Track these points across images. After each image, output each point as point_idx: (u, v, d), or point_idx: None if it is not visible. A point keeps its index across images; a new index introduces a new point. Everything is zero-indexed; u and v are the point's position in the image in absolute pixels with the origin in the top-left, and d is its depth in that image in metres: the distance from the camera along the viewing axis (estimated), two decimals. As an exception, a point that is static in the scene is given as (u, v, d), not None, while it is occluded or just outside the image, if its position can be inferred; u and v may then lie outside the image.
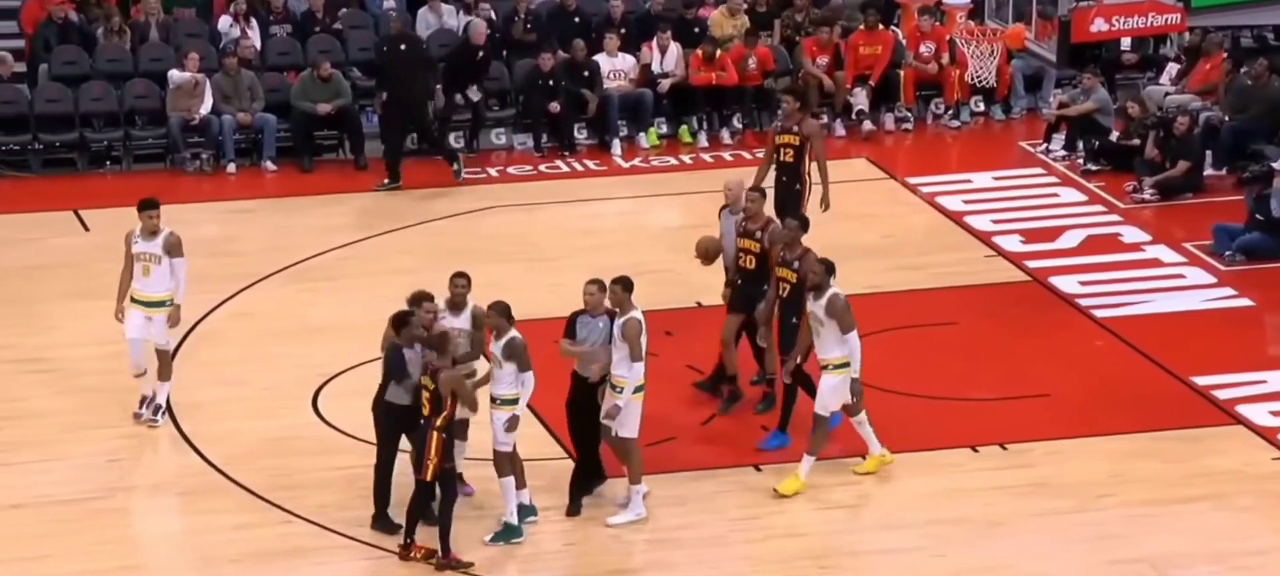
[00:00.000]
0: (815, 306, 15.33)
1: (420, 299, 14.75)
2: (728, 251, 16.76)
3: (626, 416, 14.82)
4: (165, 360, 16.47)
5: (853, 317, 15.34)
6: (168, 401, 16.56)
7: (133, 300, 16.30)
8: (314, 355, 18.11)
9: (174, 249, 16.33)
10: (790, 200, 18.26)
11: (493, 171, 23.52)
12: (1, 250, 20.99)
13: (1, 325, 18.73)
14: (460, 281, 15.16)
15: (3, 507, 15.41)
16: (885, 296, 19.65)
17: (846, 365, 15.30)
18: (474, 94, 23.73)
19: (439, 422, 14.24)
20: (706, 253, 16.67)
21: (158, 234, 16.29)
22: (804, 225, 16.22)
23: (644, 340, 14.72)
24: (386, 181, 22.73)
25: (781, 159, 18.40)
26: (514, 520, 14.73)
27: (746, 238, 16.46)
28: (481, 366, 15.05)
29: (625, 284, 14.98)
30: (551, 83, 23.74)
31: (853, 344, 15.28)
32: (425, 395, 14.34)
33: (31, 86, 23.98)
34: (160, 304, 16.30)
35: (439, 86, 23.23)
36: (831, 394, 15.37)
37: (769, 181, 18.18)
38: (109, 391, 16.35)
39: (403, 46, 22.92)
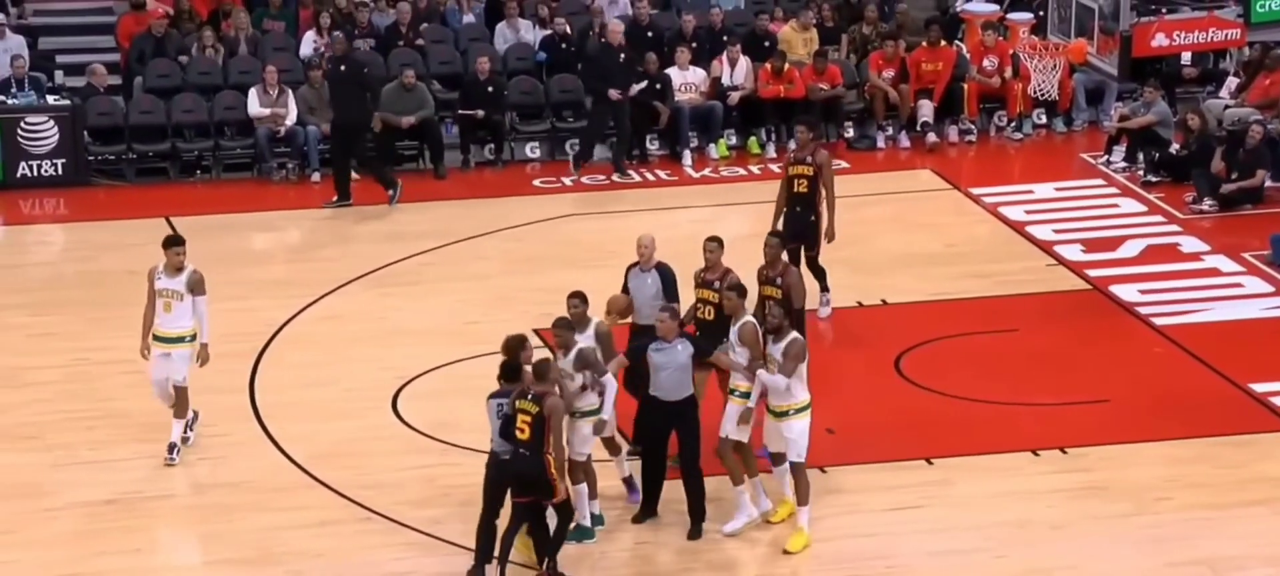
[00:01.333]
0: (774, 349, 14.51)
1: (518, 345, 14.35)
2: (640, 309, 15.67)
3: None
4: (183, 397, 15.94)
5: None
6: (183, 437, 16.14)
7: (155, 338, 15.88)
8: (394, 358, 18.18)
9: (196, 287, 15.84)
10: (808, 230, 17.99)
11: (567, 181, 23.54)
12: (98, 255, 21.19)
13: (98, 328, 18.89)
14: (576, 301, 14.81)
15: (97, 503, 15.54)
16: (949, 303, 19.59)
17: (808, 407, 14.56)
18: (628, 92, 23.35)
19: (550, 447, 13.77)
20: (620, 311, 15.71)
21: (181, 271, 15.84)
22: (741, 292, 15.08)
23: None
24: (335, 199, 22.32)
25: (796, 189, 17.96)
26: (587, 522, 14.72)
27: (705, 288, 15.44)
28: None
29: (740, 291, 14.87)
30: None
31: (774, 383, 14.46)
32: (524, 420, 13.80)
33: (126, 98, 24.18)
34: (180, 340, 15.84)
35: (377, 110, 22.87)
36: (803, 438, 14.57)
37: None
38: (198, 392, 16.43)
39: (342, 68, 22.41)
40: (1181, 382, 17.91)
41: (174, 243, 15.97)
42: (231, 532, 15.21)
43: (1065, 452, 16.40)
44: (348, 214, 22.55)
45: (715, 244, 15.50)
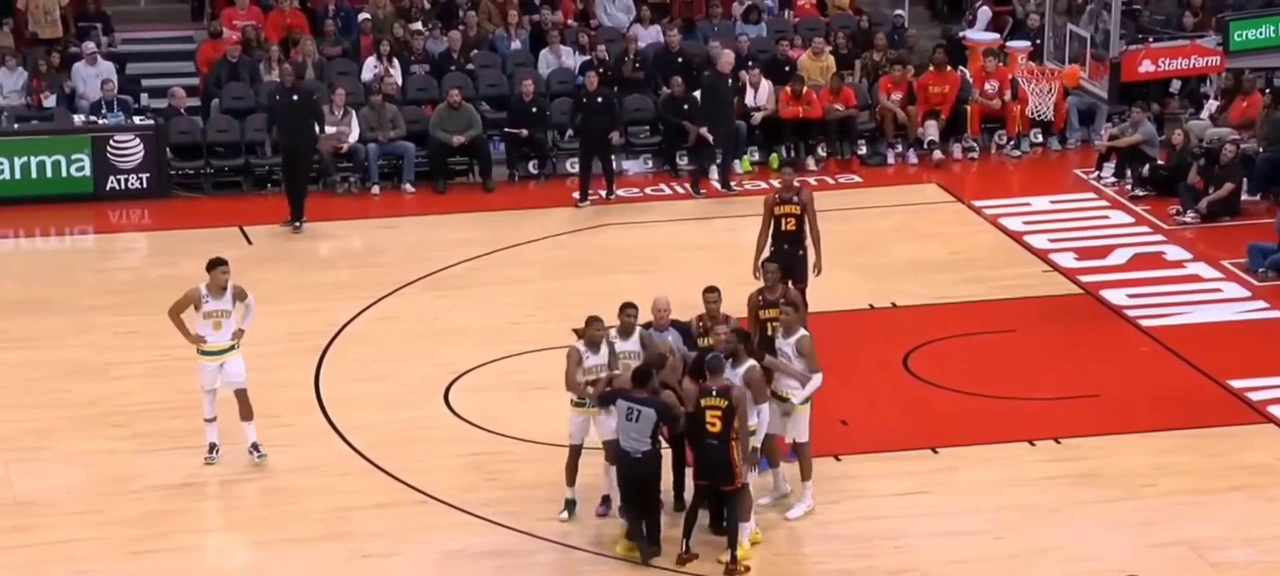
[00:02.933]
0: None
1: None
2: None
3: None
4: (246, 399, 15.57)
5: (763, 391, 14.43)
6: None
7: (205, 353, 15.46)
8: (446, 355, 18.18)
9: (242, 294, 15.54)
10: (797, 264, 17.46)
11: (602, 193, 23.53)
12: (178, 261, 21.21)
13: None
14: (630, 310, 14.55)
15: (176, 486, 15.58)
16: (953, 306, 19.53)
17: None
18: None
19: (736, 435, 13.66)
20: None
21: (226, 290, 15.43)
22: (797, 306, 15.09)
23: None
24: (290, 220, 21.93)
25: (783, 228, 17.38)
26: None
27: (706, 337, 14.86)
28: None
29: (796, 305, 14.86)
30: (598, 99, 22.80)
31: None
32: (713, 415, 13.61)
33: (204, 118, 24.24)
34: (230, 349, 15.49)
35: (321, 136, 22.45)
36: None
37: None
38: (269, 386, 16.47)
39: (295, 98, 22.06)
40: (1166, 379, 17.83)
41: (219, 263, 15.56)
42: (301, 513, 15.23)
43: (1059, 443, 16.34)
44: (405, 224, 22.55)
45: (715, 294, 15.03)
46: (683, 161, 24.26)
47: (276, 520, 15.19)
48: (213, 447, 15.70)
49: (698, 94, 23.77)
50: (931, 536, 14.73)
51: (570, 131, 23.69)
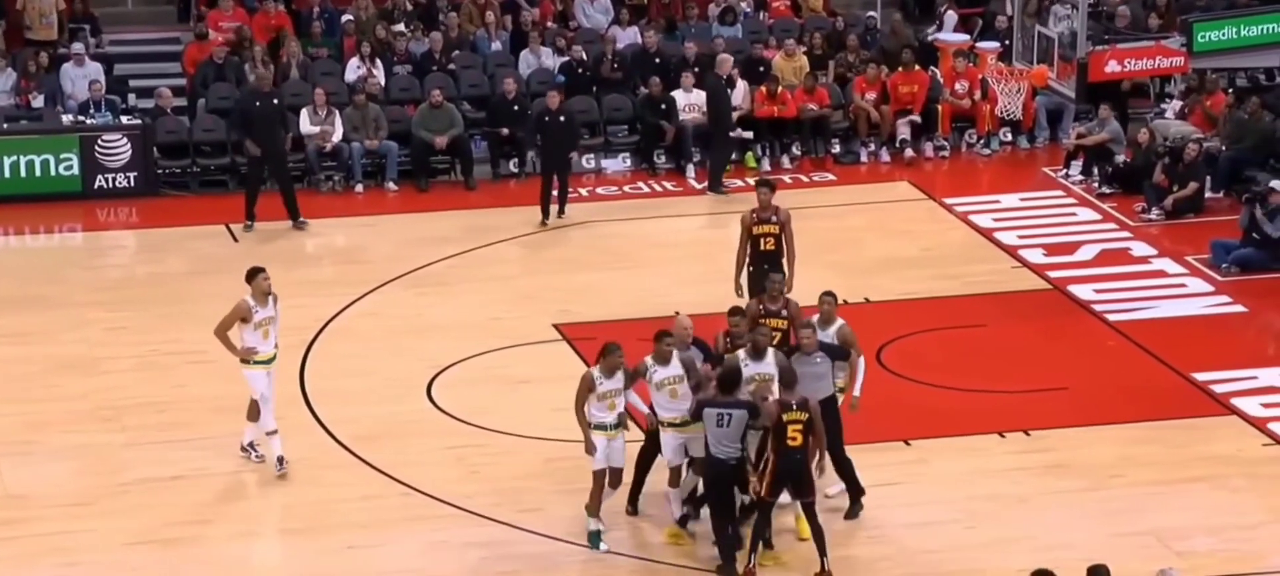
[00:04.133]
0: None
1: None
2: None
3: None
4: (254, 405, 15.47)
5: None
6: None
7: (257, 363, 15.25)
8: (428, 350, 18.20)
9: (277, 300, 15.46)
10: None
11: (583, 191, 23.56)
12: (166, 258, 21.23)
13: (168, 323, 18.93)
14: (667, 338, 14.23)
15: (165, 479, 15.58)
16: (924, 302, 19.61)
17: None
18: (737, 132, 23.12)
19: (812, 448, 13.71)
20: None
21: (269, 296, 15.26)
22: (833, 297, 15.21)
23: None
24: (248, 223, 21.72)
25: (763, 248, 17.08)
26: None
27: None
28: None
29: (834, 299, 14.97)
30: (560, 118, 22.42)
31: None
32: (795, 430, 13.55)
33: (191, 118, 24.22)
34: (273, 359, 15.39)
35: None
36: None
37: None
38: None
39: (275, 101, 21.99)
40: (1133, 372, 17.92)
41: (259, 271, 15.34)
42: (287, 506, 15.25)
43: (1028, 435, 16.42)
44: (388, 222, 22.57)
45: (739, 317, 15.00)
46: (661, 160, 24.29)
47: (263, 512, 15.21)
48: (280, 460, 15.49)
49: (705, 97, 23.67)
50: (904, 526, 14.80)
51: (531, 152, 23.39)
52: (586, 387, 14.13)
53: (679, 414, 14.16)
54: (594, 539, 14.31)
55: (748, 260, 17.16)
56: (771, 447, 13.64)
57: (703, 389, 14.03)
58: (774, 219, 17.18)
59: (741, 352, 14.44)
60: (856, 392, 14.85)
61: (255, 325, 15.27)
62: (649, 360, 14.20)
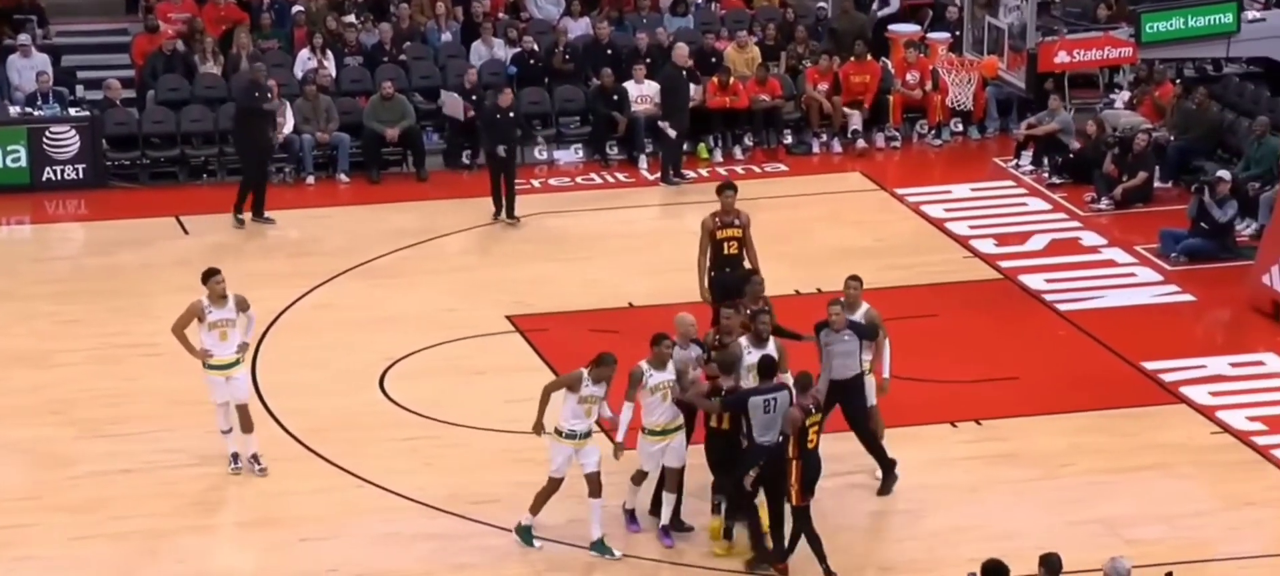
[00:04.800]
0: (857, 315, 15.14)
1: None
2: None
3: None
4: (246, 413, 15.30)
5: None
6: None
7: (211, 367, 15.09)
8: (381, 342, 18.16)
9: (244, 305, 15.22)
10: (739, 286, 16.58)
11: (536, 183, 23.53)
12: (116, 251, 21.11)
13: (118, 315, 18.83)
14: (666, 342, 14.13)
15: (117, 471, 15.51)
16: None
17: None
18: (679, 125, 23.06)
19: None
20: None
21: (227, 298, 15.08)
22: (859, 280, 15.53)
23: None
24: (255, 215, 21.58)
25: (726, 252, 16.90)
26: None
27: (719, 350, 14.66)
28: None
29: (860, 283, 15.20)
30: (511, 115, 22.25)
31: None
32: (815, 432, 13.77)
33: (140, 110, 24.08)
34: (236, 363, 15.16)
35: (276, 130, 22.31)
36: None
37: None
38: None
39: (270, 97, 21.94)
40: (1083, 361, 18.02)
41: (214, 273, 15.15)
42: (240, 498, 15.20)
43: (980, 424, 16.50)
44: (339, 214, 22.49)
45: (731, 310, 14.93)
46: (613, 151, 24.28)
47: (214, 505, 15.15)
48: (234, 457, 15.37)
49: (659, 88, 23.68)
50: (856, 515, 14.86)
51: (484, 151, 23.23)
52: (569, 383, 14.01)
53: (667, 419, 14.10)
54: (525, 534, 14.24)
55: (711, 264, 17.01)
56: (793, 452, 13.71)
57: (689, 390, 14.04)
58: (737, 222, 17.09)
59: (743, 340, 14.54)
60: (886, 374, 15.11)
61: (209, 326, 15.12)
62: (645, 365, 14.07)
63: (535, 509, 14.23)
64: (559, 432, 14.03)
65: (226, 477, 15.40)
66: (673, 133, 23.24)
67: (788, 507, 13.86)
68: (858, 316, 15.06)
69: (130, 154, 23.61)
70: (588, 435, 14.07)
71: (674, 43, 24.38)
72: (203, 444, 15.84)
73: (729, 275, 16.89)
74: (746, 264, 17.00)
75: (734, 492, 14.02)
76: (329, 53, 24.84)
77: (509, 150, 22.07)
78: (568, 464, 14.08)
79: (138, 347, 17.76)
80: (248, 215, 21.73)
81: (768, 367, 13.98)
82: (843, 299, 15.09)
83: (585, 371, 14.00)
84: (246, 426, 15.35)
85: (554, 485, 14.15)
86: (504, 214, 21.90)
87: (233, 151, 23.24)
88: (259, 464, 15.43)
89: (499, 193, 22.02)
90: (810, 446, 13.78)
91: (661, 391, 14.07)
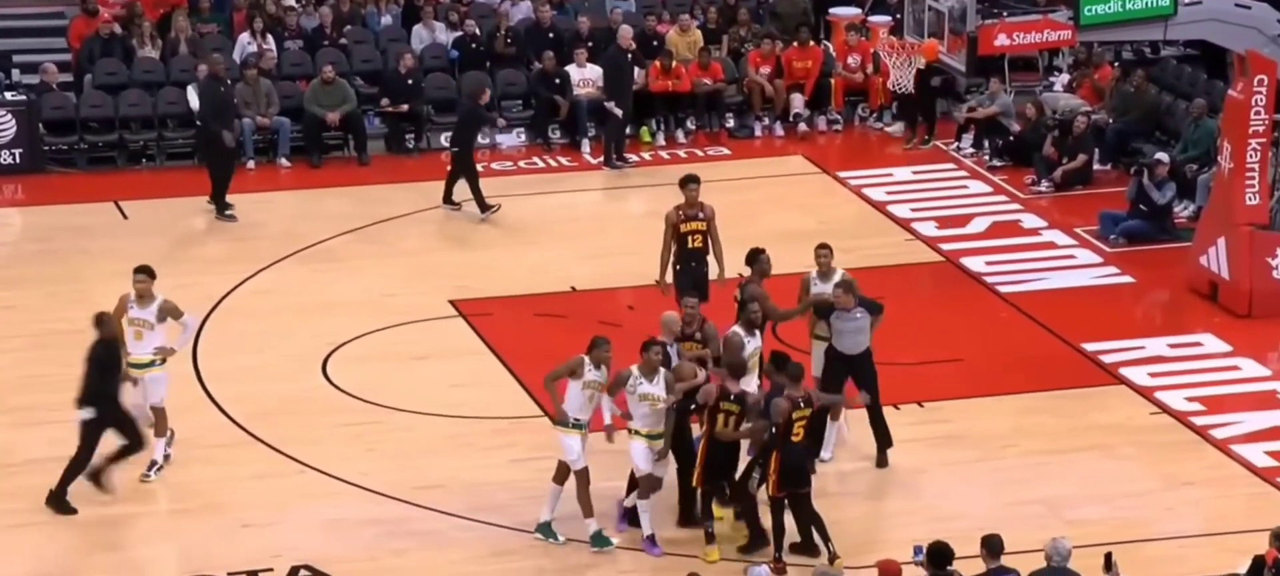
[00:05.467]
0: (830, 285, 15.59)
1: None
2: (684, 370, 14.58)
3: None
4: (162, 417, 14.99)
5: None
6: (165, 456, 15.19)
7: (126, 364, 14.65)
8: (323, 327, 18.07)
9: (169, 313, 14.93)
10: (704, 279, 16.97)
11: (479, 166, 23.38)
12: (54, 237, 20.92)
13: (57, 301, 18.65)
14: (657, 348, 14.07)
15: (56, 459, 15.30)
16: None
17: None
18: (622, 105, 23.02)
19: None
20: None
21: (152, 300, 14.83)
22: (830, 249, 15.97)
23: None
24: (216, 200, 21.40)
25: (691, 245, 16.90)
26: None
27: (687, 341, 14.77)
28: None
29: (830, 251, 15.61)
30: (489, 108, 22.52)
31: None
32: (800, 425, 13.85)
33: (77, 94, 23.85)
34: (150, 364, 14.89)
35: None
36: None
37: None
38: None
39: (236, 83, 21.85)
40: (1024, 343, 18.11)
41: (142, 271, 14.95)
42: (182, 484, 15.09)
43: (923, 406, 16.56)
44: (280, 198, 22.35)
45: (693, 301, 15.09)
46: (555, 135, 24.22)
47: (156, 492, 15.04)
48: (153, 464, 15.11)
49: (601, 70, 23.65)
50: (800, 498, 14.86)
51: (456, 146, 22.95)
52: (571, 369, 13.92)
53: (650, 426, 14.00)
54: (599, 540, 14.03)
55: (675, 258, 16.96)
56: (776, 443, 13.76)
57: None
58: (701, 215, 17.05)
59: (738, 328, 14.63)
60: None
61: (128, 321, 14.90)
62: (634, 370, 13.98)
63: (587, 512, 14.02)
64: (566, 424, 13.93)
65: (170, 465, 15.26)
66: (619, 112, 23.21)
67: (763, 494, 13.93)
68: (834, 282, 15.42)
69: (68, 138, 23.39)
70: (584, 426, 14.02)
71: (618, 26, 24.36)
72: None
73: (695, 268, 16.88)
74: (710, 256, 16.96)
75: (738, 485, 14.06)
76: (269, 36, 24.66)
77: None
78: (585, 451, 13.96)
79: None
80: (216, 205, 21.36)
81: (794, 374, 14.05)
82: (815, 270, 15.46)
83: (585, 358, 13.94)
84: (158, 430, 15.07)
85: (584, 476, 13.99)
86: (445, 201, 21.74)
87: (173, 136, 23.07)
88: (152, 472, 15.01)
89: (455, 183, 21.60)
90: (795, 439, 13.79)
91: (650, 401, 13.96)
